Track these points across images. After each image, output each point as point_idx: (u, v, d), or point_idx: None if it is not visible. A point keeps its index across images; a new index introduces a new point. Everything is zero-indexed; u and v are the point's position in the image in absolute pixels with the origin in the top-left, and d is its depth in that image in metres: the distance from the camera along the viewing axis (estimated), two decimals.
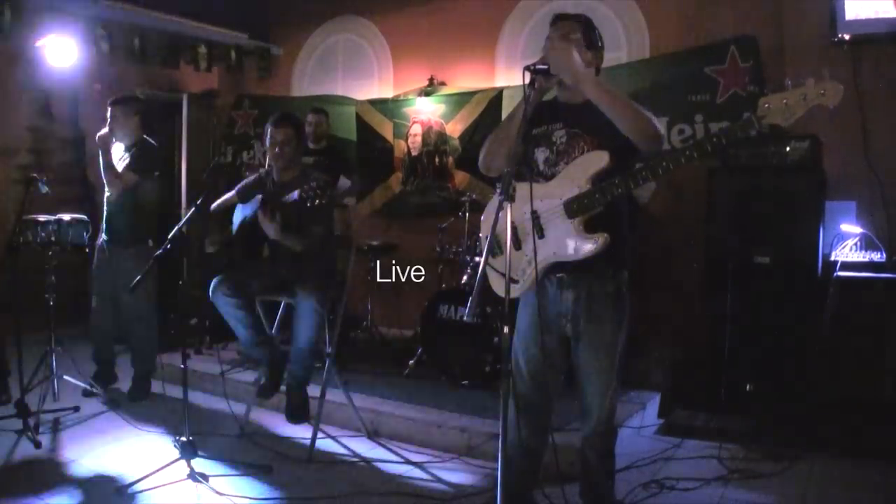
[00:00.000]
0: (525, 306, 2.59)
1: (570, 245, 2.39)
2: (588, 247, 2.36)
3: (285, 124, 3.72)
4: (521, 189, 2.36)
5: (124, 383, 4.57)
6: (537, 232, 2.43)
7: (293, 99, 7.10)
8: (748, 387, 3.94)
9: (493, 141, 2.56)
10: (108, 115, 4.34)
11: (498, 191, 2.18)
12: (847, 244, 4.01)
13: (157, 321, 4.57)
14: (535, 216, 2.42)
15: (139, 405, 4.35)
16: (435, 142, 6.13)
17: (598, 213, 2.37)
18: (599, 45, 2.54)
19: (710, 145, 2.27)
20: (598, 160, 2.38)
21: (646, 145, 2.35)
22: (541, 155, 2.52)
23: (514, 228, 2.42)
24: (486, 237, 2.31)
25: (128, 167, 4.28)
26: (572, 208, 2.38)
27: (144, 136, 4.42)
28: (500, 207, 2.10)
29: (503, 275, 2.23)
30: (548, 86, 2.42)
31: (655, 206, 4.94)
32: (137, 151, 4.34)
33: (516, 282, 2.47)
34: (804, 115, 2.14)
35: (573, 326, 2.51)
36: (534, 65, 2.34)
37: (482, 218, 2.73)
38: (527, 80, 2.32)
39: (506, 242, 2.28)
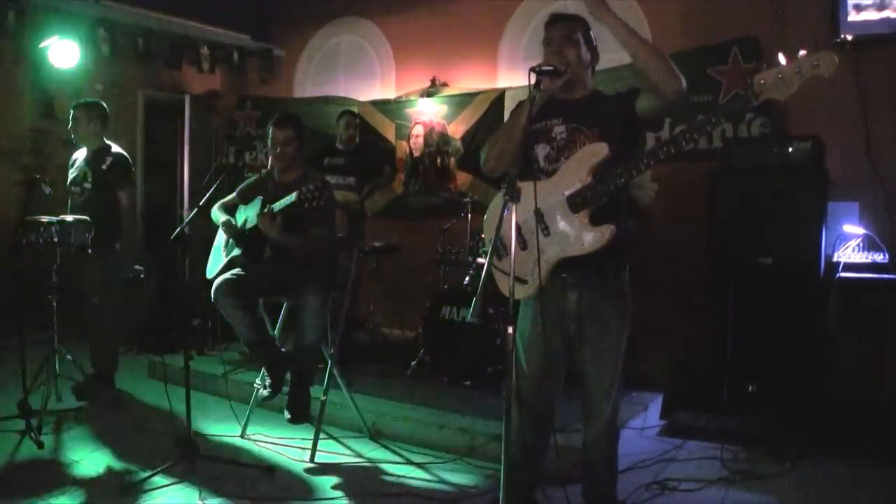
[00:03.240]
0: (527, 307, 2.58)
1: (577, 239, 2.38)
2: (596, 239, 2.35)
3: (286, 124, 3.73)
4: (525, 188, 2.35)
5: (127, 383, 4.57)
6: (542, 230, 2.43)
7: (295, 100, 7.11)
8: (750, 388, 3.93)
9: (496, 142, 2.55)
10: (77, 115, 4.39)
11: (502, 191, 2.18)
12: (849, 245, 4.01)
13: (120, 324, 4.65)
14: (538, 214, 2.41)
15: (142, 407, 4.35)
16: (437, 143, 6.14)
17: (602, 205, 2.37)
18: (594, 44, 2.55)
19: (710, 125, 2.29)
20: (598, 152, 2.37)
21: (671, 96, 2.29)
22: (541, 151, 2.51)
23: (518, 229, 2.42)
24: (491, 239, 2.30)
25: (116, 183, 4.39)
26: (576, 202, 2.37)
27: (108, 143, 4.49)
28: (505, 208, 2.09)
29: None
30: (553, 87, 2.39)
31: (658, 206, 4.93)
32: (114, 165, 4.41)
33: (525, 282, 2.45)
34: (800, 87, 2.12)
35: (577, 327, 2.50)
36: (539, 66, 2.33)
37: (485, 218, 2.72)
38: (532, 82, 2.32)
39: (510, 243, 2.27)
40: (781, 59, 2.14)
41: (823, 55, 2.08)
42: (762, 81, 2.15)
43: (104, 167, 4.39)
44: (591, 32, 2.54)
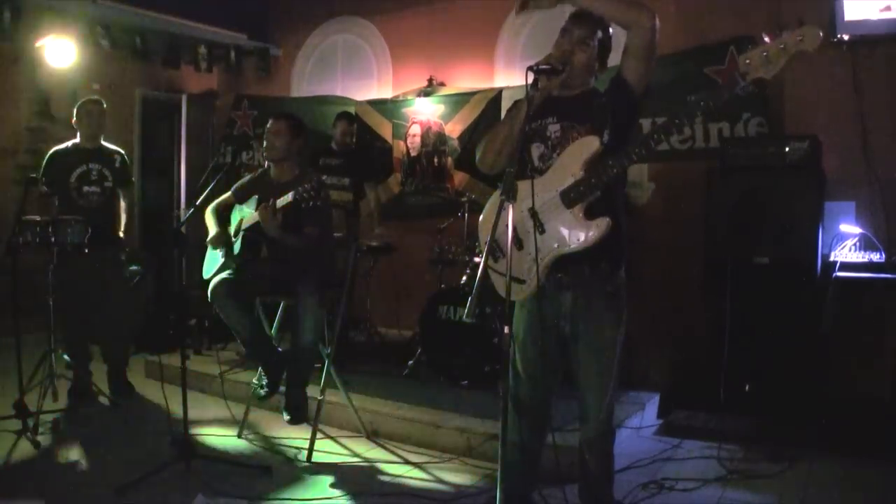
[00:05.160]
0: (522, 307, 2.58)
1: (573, 235, 2.35)
2: (591, 233, 2.33)
3: (280, 118, 3.79)
4: (520, 187, 2.34)
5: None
6: (538, 228, 2.41)
7: (292, 99, 7.10)
8: (747, 387, 3.94)
9: (492, 139, 2.53)
10: (95, 110, 4.41)
11: (497, 192, 2.16)
12: (846, 244, 4.01)
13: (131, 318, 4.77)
14: (532, 213, 2.40)
15: (139, 407, 4.35)
16: (434, 142, 6.14)
17: (597, 199, 2.35)
18: (607, 52, 2.53)
19: (700, 109, 2.29)
20: (589, 146, 2.35)
21: (646, 29, 2.28)
22: (536, 151, 2.49)
23: (514, 229, 2.41)
24: (486, 240, 2.29)
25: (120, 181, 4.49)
26: (569, 197, 2.35)
27: (105, 142, 4.53)
28: (502, 207, 2.07)
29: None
30: (551, 86, 2.37)
31: (655, 206, 4.93)
32: (124, 163, 4.53)
33: (523, 282, 2.43)
34: (786, 63, 2.16)
35: (572, 327, 2.50)
36: (537, 65, 2.32)
37: (481, 219, 2.70)
38: (530, 80, 2.30)
39: (507, 244, 2.26)
40: (765, 38, 2.15)
41: (806, 30, 2.09)
42: (747, 61, 2.17)
43: (117, 165, 4.46)
44: (609, 38, 2.50)
